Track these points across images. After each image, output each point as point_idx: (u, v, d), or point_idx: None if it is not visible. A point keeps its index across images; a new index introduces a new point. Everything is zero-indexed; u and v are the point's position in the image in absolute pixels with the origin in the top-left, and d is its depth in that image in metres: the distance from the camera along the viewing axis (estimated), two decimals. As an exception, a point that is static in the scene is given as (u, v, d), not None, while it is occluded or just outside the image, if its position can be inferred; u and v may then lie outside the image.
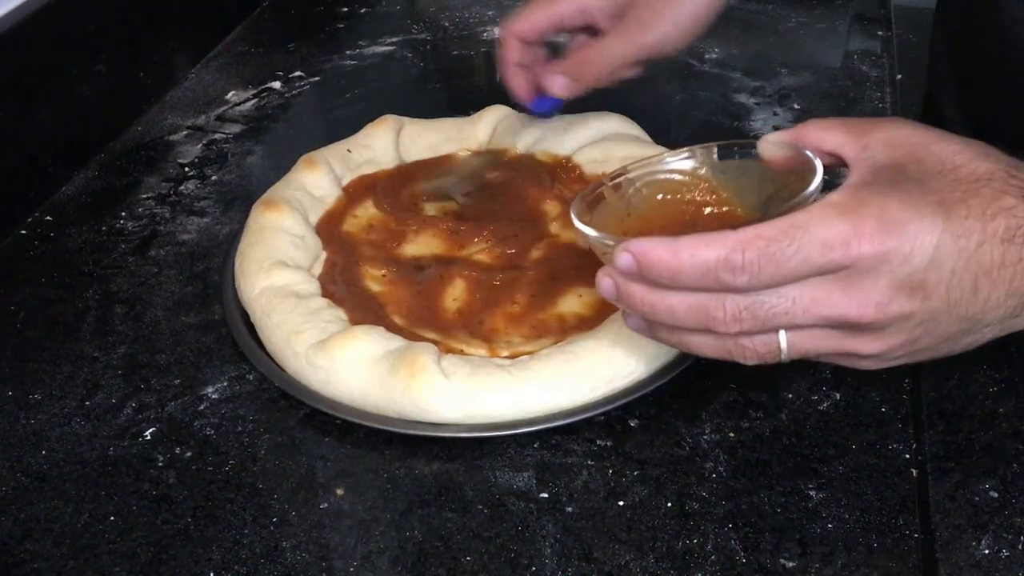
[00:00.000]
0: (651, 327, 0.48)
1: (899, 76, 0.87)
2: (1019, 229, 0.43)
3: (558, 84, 0.69)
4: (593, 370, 0.57)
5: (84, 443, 0.57)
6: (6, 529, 0.52)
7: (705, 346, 0.46)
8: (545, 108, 0.73)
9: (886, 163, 0.44)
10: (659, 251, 0.43)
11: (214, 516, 0.53)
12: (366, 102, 0.90)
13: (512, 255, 0.68)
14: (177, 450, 0.57)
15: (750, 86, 0.89)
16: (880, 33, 0.96)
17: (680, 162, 0.54)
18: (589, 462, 0.55)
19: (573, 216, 0.50)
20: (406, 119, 0.79)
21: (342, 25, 1.04)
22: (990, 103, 0.70)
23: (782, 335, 0.44)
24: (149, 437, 0.57)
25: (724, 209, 0.51)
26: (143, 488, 0.54)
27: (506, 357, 0.59)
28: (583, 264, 0.66)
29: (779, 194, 0.49)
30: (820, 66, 0.92)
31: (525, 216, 0.71)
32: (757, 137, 0.52)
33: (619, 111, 0.78)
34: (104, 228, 0.75)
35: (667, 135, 0.77)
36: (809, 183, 0.46)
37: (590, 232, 0.48)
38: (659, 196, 0.53)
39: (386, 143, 0.77)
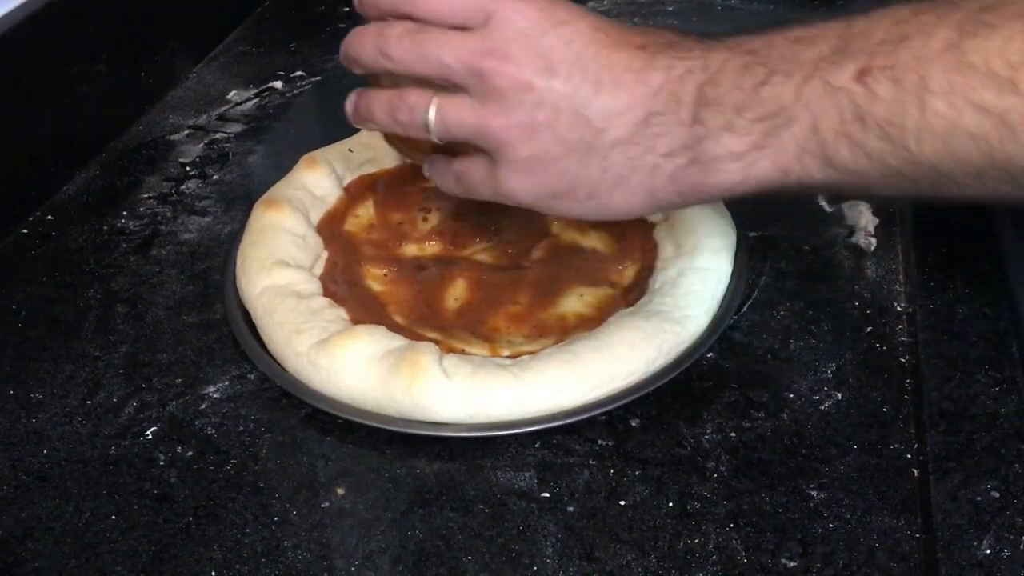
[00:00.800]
0: (356, 105, 0.54)
1: (900, 76, 0.87)
2: (655, 46, 0.47)
3: None
4: (594, 370, 0.56)
5: (85, 442, 0.57)
6: (7, 528, 0.52)
7: (378, 103, 0.52)
8: None
9: None
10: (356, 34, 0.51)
11: (215, 515, 0.53)
12: (367, 102, 0.90)
13: (513, 255, 0.68)
14: (178, 449, 0.57)
15: (751, 86, 0.89)
16: (881, 33, 0.96)
17: None
18: (590, 462, 0.55)
19: None
20: (407, 119, 0.79)
21: (343, 25, 1.03)
22: None
23: (432, 106, 0.49)
24: (150, 436, 0.57)
25: None
26: (144, 487, 0.54)
27: (507, 357, 0.59)
28: (584, 264, 0.67)
29: None
30: (821, 66, 0.91)
31: (526, 216, 0.70)
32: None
33: (620, 111, 0.78)
34: (105, 227, 0.75)
35: (668, 135, 0.77)
36: None
37: None
38: None
39: (387, 143, 0.77)
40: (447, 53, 0.47)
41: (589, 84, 0.45)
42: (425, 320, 0.63)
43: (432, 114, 0.49)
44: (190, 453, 0.56)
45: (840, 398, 0.57)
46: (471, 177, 0.51)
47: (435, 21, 0.48)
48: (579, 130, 0.46)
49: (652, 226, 0.68)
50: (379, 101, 0.52)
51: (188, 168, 0.82)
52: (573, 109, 0.46)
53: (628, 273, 0.66)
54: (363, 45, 0.51)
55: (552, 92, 0.46)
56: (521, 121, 0.46)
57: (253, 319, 0.63)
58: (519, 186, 0.49)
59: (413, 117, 0.50)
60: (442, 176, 0.54)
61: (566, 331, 0.61)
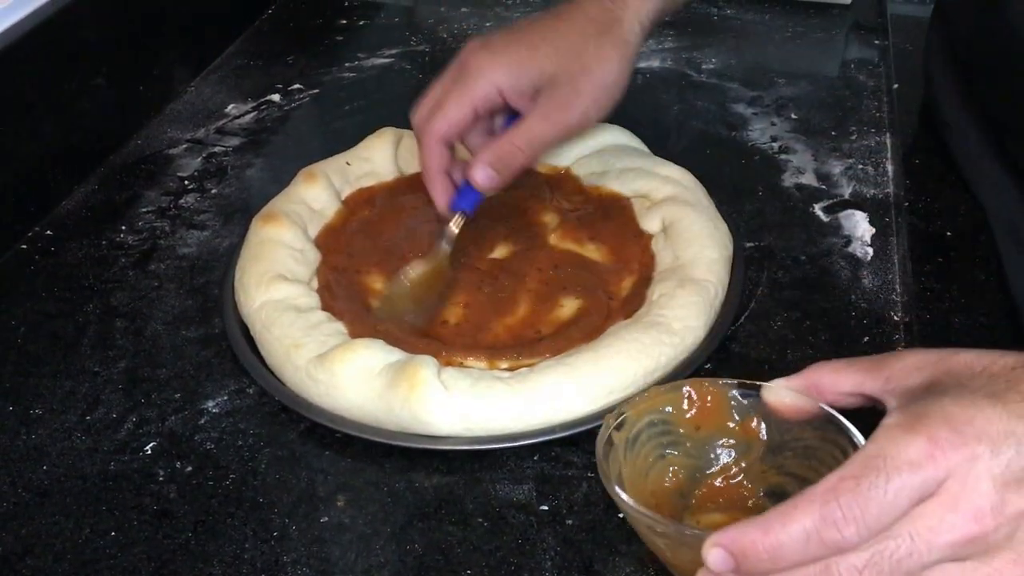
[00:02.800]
0: None
1: (896, 85, 0.87)
2: None
3: (484, 177, 0.64)
4: (592, 382, 0.57)
5: (85, 458, 0.57)
6: (7, 545, 0.52)
7: None
8: (469, 204, 0.66)
9: (918, 384, 0.43)
10: (751, 534, 0.39)
11: (215, 531, 0.53)
12: (365, 114, 0.90)
13: (511, 267, 0.68)
14: (178, 464, 0.57)
15: (747, 96, 0.89)
16: (877, 42, 0.96)
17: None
18: (589, 474, 0.55)
19: (616, 489, 0.45)
20: (405, 131, 0.79)
21: (341, 38, 1.04)
22: (995, 103, 0.70)
23: None
24: (150, 452, 0.58)
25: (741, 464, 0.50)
26: (144, 503, 0.54)
27: (506, 369, 0.59)
28: (582, 275, 0.67)
29: (788, 445, 0.48)
30: (817, 75, 0.92)
31: (524, 228, 0.71)
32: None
33: (616, 122, 0.78)
34: (104, 242, 0.75)
35: (664, 146, 0.78)
36: (836, 437, 0.46)
37: (636, 509, 0.44)
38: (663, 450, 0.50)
39: (385, 155, 0.77)
40: (931, 553, 0.38)
41: None
42: (424, 333, 0.63)
43: None
44: (189, 468, 0.56)
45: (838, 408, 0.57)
46: None
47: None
48: None
49: (650, 238, 0.68)
50: None
51: (187, 182, 0.82)
52: None
53: (626, 284, 0.66)
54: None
55: None
56: None
57: (252, 333, 0.63)
58: None
59: None
60: None
61: (563, 343, 0.61)
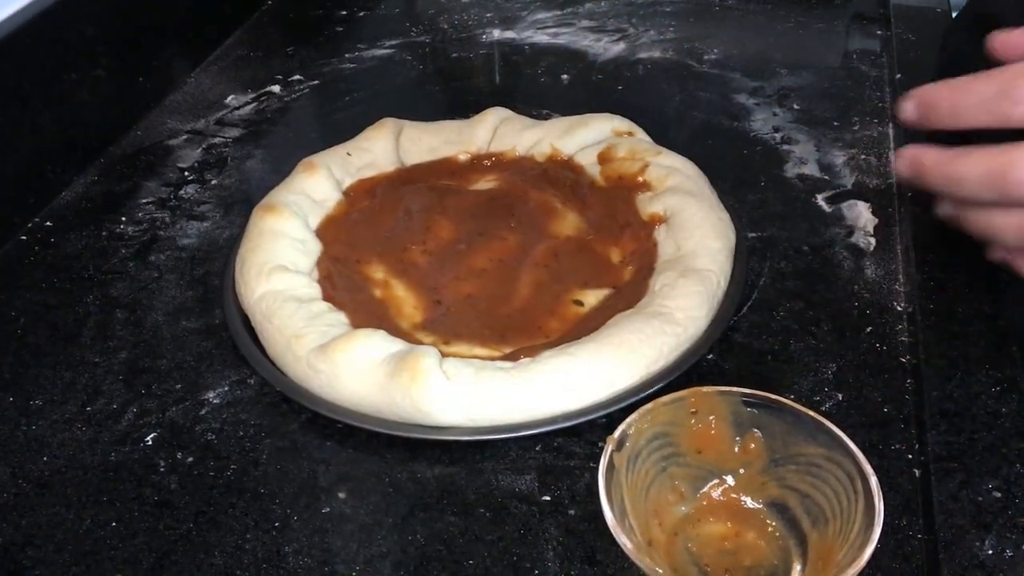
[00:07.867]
0: (958, 211, 0.49)
1: (899, 75, 0.87)
2: None
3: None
4: (595, 372, 0.56)
5: (85, 449, 0.57)
6: (8, 536, 0.52)
7: (1009, 227, 0.47)
8: None
9: None
10: (939, 89, 0.45)
11: (216, 521, 0.52)
12: (365, 105, 0.90)
13: (513, 257, 0.67)
14: (178, 455, 0.56)
15: (749, 86, 0.89)
16: (879, 32, 0.96)
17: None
18: (591, 464, 0.54)
19: (630, 551, 0.44)
20: (406, 122, 0.79)
21: (341, 28, 1.04)
22: None
23: None
24: (150, 442, 0.57)
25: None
26: (145, 494, 0.54)
27: (507, 359, 0.59)
28: (584, 265, 0.66)
29: (792, 459, 0.49)
30: (819, 66, 0.91)
31: (526, 216, 0.71)
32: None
33: (618, 112, 0.78)
34: (104, 233, 0.75)
35: (667, 136, 0.77)
36: (842, 459, 0.46)
37: (637, 557, 0.44)
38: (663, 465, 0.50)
39: (386, 146, 0.77)
40: None
41: None
42: (425, 323, 0.63)
43: None
44: (190, 459, 0.56)
45: (840, 399, 0.57)
46: None
47: None
48: None
49: (652, 227, 0.68)
50: (1013, 226, 0.47)
51: (187, 173, 0.82)
52: None
53: (628, 274, 0.66)
54: (975, 190, 0.46)
55: None
56: None
57: (252, 324, 0.63)
58: None
59: None
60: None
61: (566, 333, 0.61)
